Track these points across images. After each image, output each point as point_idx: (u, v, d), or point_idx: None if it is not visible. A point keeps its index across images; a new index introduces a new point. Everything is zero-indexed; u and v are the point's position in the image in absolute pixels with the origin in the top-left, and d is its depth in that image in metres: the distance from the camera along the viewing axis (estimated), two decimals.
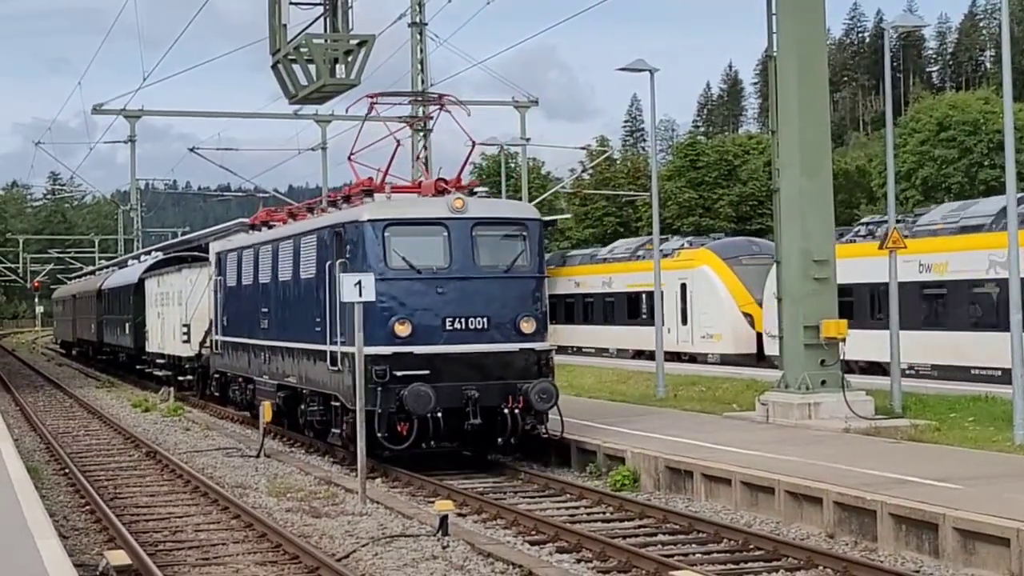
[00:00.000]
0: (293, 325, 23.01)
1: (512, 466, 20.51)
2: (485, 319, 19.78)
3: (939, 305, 29.10)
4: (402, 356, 19.04)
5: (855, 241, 32.46)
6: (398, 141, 21.86)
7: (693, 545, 14.58)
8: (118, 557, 13.10)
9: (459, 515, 16.25)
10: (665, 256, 41.07)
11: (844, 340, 21.74)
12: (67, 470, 21.39)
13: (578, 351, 46.13)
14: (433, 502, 16.26)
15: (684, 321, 40.15)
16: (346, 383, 19.72)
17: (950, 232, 29.43)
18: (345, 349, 19.81)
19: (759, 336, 37.08)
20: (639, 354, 42.92)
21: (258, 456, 22.56)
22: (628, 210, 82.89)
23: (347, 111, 48.04)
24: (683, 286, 40.13)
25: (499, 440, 19.91)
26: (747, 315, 38.18)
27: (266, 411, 22.86)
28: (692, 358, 39.35)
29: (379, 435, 19.04)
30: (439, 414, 19.02)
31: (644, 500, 17.11)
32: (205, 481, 19.24)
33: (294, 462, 21.93)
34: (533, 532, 15.39)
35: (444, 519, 14.49)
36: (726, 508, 16.43)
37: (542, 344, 20.20)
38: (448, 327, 19.60)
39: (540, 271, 20.64)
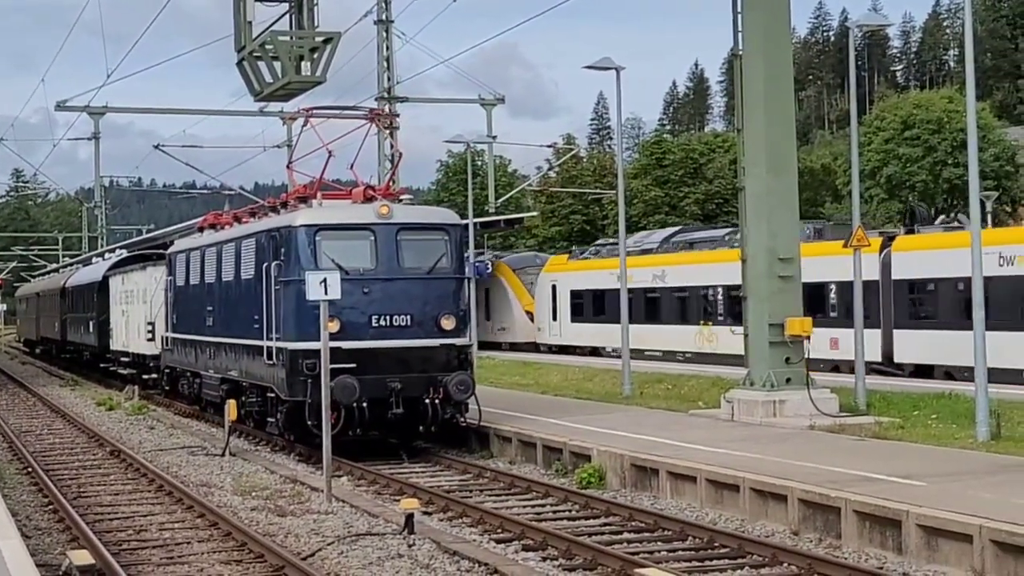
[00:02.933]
0: (234, 322, 24.21)
1: (478, 464, 20.62)
2: (408, 317, 21.17)
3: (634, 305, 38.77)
4: (331, 351, 19.59)
5: (589, 258, 45.47)
6: (330, 152, 22.87)
7: (658, 543, 14.61)
8: (81, 557, 13.02)
9: (425, 513, 16.25)
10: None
11: (809, 337, 21.85)
12: (30, 469, 21.25)
13: None
14: (399, 500, 16.25)
15: (488, 318, 50.94)
16: (279, 376, 21.40)
17: (636, 253, 40.17)
18: (280, 344, 21.37)
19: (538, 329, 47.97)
20: None
21: (223, 455, 22.48)
22: (595, 208, 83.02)
23: (284, 124, 48.58)
24: (487, 291, 50.79)
25: (420, 428, 21.34)
26: (528, 313, 48.75)
27: (231, 410, 23.03)
28: (494, 346, 49.39)
29: (309, 423, 20.35)
30: (364, 404, 20.43)
31: (610, 498, 17.13)
32: (170, 480, 19.15)
33: (260, 460, 21.87)
34: (499, 530, 15.39)
35: (410, 517, 14.49)
36: (691, 506, 16.47)
37: (462, 340, 21.66)
38: (374, 324, 20.98)
39: (461, 272, 21.98)
